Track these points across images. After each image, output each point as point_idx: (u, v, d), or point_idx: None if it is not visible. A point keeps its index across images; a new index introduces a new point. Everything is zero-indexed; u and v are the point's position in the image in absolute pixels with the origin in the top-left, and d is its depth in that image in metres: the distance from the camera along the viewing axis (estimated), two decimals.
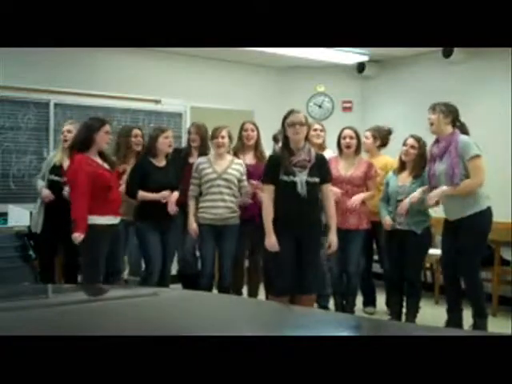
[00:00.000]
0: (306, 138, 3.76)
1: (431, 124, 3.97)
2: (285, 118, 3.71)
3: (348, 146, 4.40)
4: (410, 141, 4.20)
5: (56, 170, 4.40)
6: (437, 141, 4.00)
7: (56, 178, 4.36)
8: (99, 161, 3.86)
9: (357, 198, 4.30)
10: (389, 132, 4.84)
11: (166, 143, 4.29)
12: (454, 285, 4.10)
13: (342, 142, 4.41)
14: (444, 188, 3.90)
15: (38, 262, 4.54)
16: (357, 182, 4.37)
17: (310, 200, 3.66)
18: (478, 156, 3.80)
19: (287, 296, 3.71)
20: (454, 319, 4.07)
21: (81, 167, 3.73)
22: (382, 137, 4.81)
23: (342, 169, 4.39)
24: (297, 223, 3.65)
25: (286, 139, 3.72)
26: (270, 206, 3.67)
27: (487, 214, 3.91)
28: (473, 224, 3.88)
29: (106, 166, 3.88)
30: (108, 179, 3.82)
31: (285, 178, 3.63)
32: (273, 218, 3.67)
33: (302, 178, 3.62)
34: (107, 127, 3.87)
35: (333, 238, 3.79)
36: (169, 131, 4.37)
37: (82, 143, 3.80)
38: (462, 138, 3.87)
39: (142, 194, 4.17)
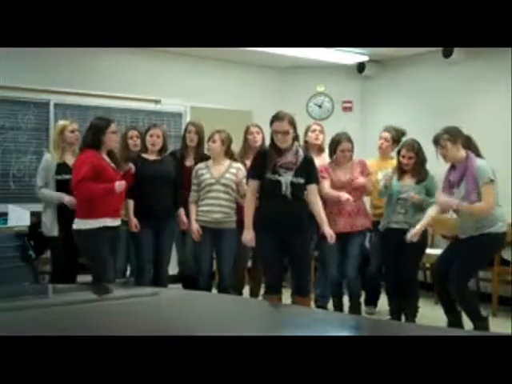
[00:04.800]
0: (296, 139, 3.72)
1: (444, 157, 3.91)
2: (270, 121, 3.68)
3: (346, 158, 4.37)
4: (404, 152, 4.18)
5: (63, 168, 4.24)
6: (452, 167, 3.95)
7: (67, 177, 4.11)
8: (107, 158, 3.91)
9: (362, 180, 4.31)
10: (403, 133, 4.76)
11: (149, 141, 4.33)
12: (444, 290, 4.08)
13: (341, 154, 4.33)
14: (456, 201, 3.86)
15: (52, 264, 4.45)
16: (356, 185, 4.34)
17: (295, 200, 3.65)
18: (491, 181, 3.77)
19: (277, 294, 3.71)
20: (454, 320, 4.06)
21: (87, 159, 3.79)
22: (397, 139, 4.74)
23: (340, 174, 4.36)
24: (280, 222, 3.64)
25: (272, 140, 3.70)
26: (252, 201, 3.70)
27: (499, 237, 3.90)
28: (477, 244, 3.85)
29: (112, 164, 3.92)
30: (112, 175, 3.84)
31: (270, 176, 3.63)
32: (256, 216, 3.68)
33: (286, 179, 3.62)
34: (113, 127, 3.91)
35: (328, 229, 3.74)
36: (155, 129, 4.36)
37: (92, 145, 3.85)
38: (478, 162, 3.82)
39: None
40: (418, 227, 4.05)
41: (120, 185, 3.83)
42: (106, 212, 3.82)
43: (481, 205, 3.78)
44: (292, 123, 3.66)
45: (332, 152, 4.38)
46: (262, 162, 3.67)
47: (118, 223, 3.96)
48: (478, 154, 3.91)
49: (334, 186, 4.30)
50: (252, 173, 3.78)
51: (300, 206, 3.71)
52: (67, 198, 4.15)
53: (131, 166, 4.15)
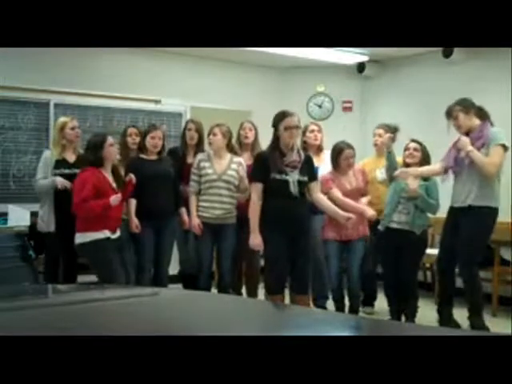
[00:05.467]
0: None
1: (458, 127, 3.94)
2: (278, 119, 3.68)
3: (350, 165, 4.39)
4: (412, 145, 4.20)
5: (61, 164, 4.28)
6: (466, 134, 3.96)
7: (66, 171, 4.20)
8: (109, 178, 3.91)
9: (365, 202, 4.36)
10: (396, 129, 4.80)
11: (151, 143, 4.32)
12: (446, 278, 4.09)
13: (344, 162, 4.34)
14: (470, 147, 3.82)
15: (45, 261, 4.46)
16: (361, 192, 4.40)
17: (301, 198, 3.71)
18: (503, 145, 3.79)
19: (281, 294, 3.72)
20: (445, 315, 4.07)
21: (89, 178, 3.78)
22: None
23: (345, 183, 4.36)
24: (288, 221, 3.65)
25: (276, 139, 3.71)
26: (258, 204, 3.69)
27: (493, 213, 3.92)
28: (476, 217, 3.87)
29: (113, 184, 3.92)
30: (110, 194, 3.85)
31: (277, 176, 3.64)
32: (263, 216, 3.68)
33: (294, 178, 3.65)
34: (110, 140, 3.92)
35: (343, 213, 3.86)
36: (156, 131, 4.35)
37: (94, 163, 3.86)
38: (494, 128, 3.87)
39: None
40: (413, 170, 4.06)
41: (115, 199, 3.82)
42: (105, 226, 3.84)
43: (487, 160, 3.78)
44: (299, 119, 3.73)
45: (334, 161, 4.38)
46: (264, 164, 3.68)
47: (118, 235, 3.96)
48: (491, 123, 3.95)
49: (344, 194, 4.33)
50: (255, 176, 3.77)
51: (305, 203, 3.77)
52: (58, 179, 4.18)
53: (132, 176, 4.10)
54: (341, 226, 4.14)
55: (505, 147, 3.81)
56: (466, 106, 3.91)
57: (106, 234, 3.83)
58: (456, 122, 3.93)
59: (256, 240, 3.68)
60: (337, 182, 4.33)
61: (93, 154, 3.86)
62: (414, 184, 4.12)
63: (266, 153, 3.81)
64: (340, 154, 4.33)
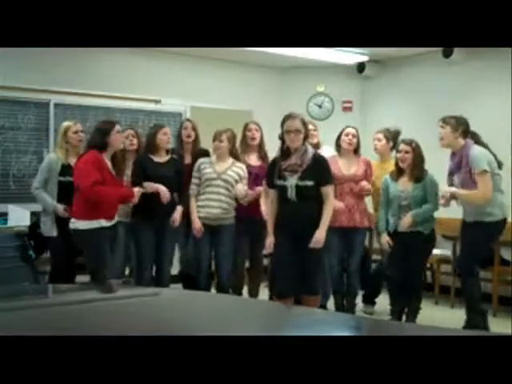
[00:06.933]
0: (306, 139, 3.73)
1: (441, 138, 3.99)
2: (282, 122, 3.69)
3: (350, 144, 4.40)
4: (402, 146, 4.18)
5: (67, 170, 4.24)
6: (453, 153, 4.03)
7: (70, 179, 4.10)
8: (109, 164, 3.92)
9: (366, 184, 4.38)
10: (397, 133, 4.74)
11: (164, 140, 4.33)
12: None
13: (345, 137, 4.42)
14: (453, 189, 3.99)
15: (52, 263, 4.44)
16: (359, 180, 4.38)
17: (304, 203, 3.62)
18: (485, 171, 3.83)
19: (289, 298, 3.70)
20: (468, 321, 4.06)
21: (92, 162, 3.79)
22: (393, 138, 4.73)
23: (343, 168, 4.38)
24: (291, 226, 3.66)
25: (283, 143, 3.71)
26: (272, 207, 3.76)
27: (498, 225, 3.98)
28: (480, 231, 3.94)
29: (112, 171, 3.93)
30: (110, 181, 3.86)
31: (278, 182, 3.68)
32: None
33: (291, 183, 3.62)
34: (118, 127, 3.95)
35: (318, 235, 3.60)
36: (165, 128, 4.39)
37: (98, 146, 3.87)
38: (474, 150, 3.88)
39: (147, 185, 4.15)
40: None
41: (137, 195, 3.99)
42: (102, 215, 3.84)
43: (476, 192, 3.88)
44: (303, 122, 3.70)
45: (337, 143, 4.48)
46: (273, 169, 3.73)
47: (111, 224, 3.96)
48: (478, 141, 3.97)
49: (337, 180, 4.32)
50: (267, 182, 3.87)
51: (310, 207, 3.64)
52: (61, 209, 4.18)
53: (139, 189, 4.07)
54: (336, 213, 4.08)
55: (486, 171, 3.85)
56: (460, 123, 3.95)
57: (101, 223, 3.83)
58: (441, 131, 3.99)
59: (268, 241, 3.76)
60: (335, 166, 4.29)
61: (99, 138, 3.89)
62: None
63: (276, 158, 3.83)
64: (342, 132, 4.46)
